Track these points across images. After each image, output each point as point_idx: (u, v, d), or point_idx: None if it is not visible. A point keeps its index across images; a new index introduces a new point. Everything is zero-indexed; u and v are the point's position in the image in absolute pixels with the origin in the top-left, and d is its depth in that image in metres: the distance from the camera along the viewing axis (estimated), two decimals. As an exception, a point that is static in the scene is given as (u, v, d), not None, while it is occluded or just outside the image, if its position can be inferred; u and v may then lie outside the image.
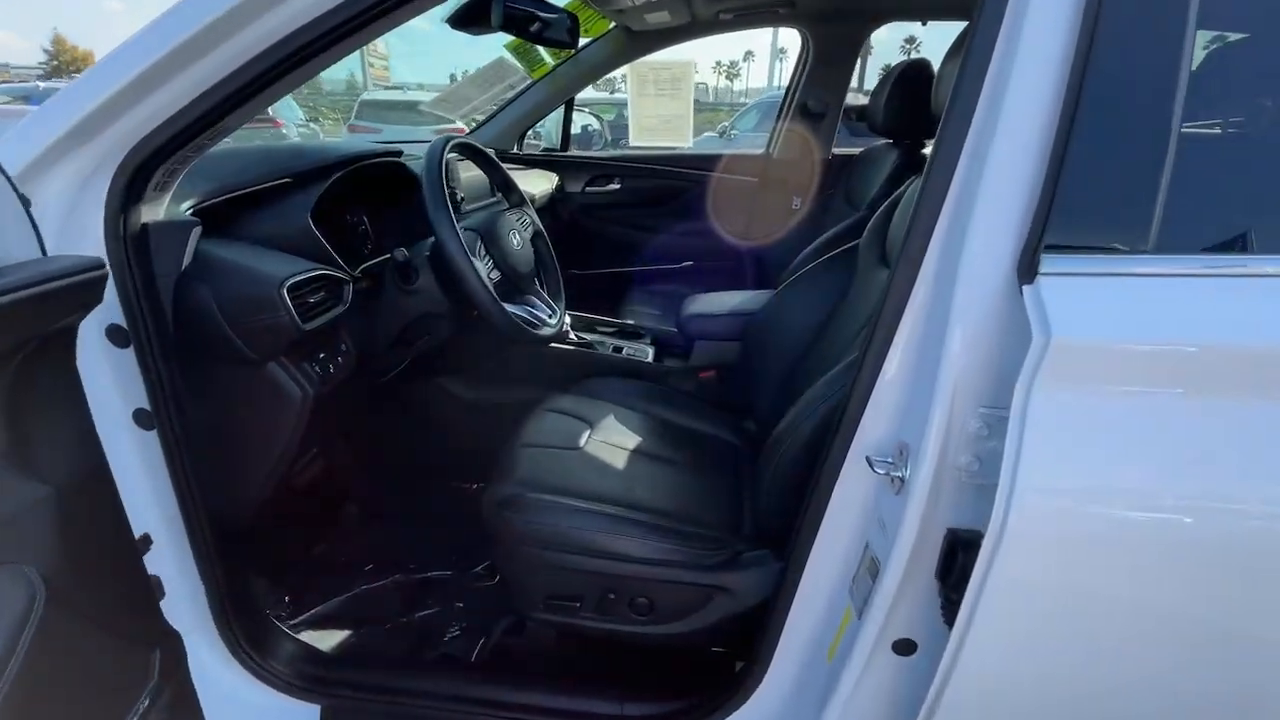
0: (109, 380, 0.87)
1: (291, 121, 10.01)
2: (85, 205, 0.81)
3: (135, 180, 0.81)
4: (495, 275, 1.13)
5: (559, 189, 2.43)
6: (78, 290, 0.62)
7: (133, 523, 0.94)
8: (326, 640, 1.30)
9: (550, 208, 2.44)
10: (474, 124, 2.41)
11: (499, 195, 1.45)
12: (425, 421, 1.74)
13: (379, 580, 1.47)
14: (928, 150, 1.82)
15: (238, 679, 1.08)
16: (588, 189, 2.51)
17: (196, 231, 0.90)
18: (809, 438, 0.95)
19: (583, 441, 1.35)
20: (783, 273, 2.17)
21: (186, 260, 0.89)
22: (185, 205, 0.93)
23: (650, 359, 1.71)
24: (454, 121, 2.25)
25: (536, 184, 2.28)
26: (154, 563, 0.96)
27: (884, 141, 1.99)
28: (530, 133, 2.47)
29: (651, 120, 2.38)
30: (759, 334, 1.50)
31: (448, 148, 1.09)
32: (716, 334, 1.63)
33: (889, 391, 0.77)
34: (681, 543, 1.11)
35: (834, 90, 2.24)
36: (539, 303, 1.31)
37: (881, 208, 1.35)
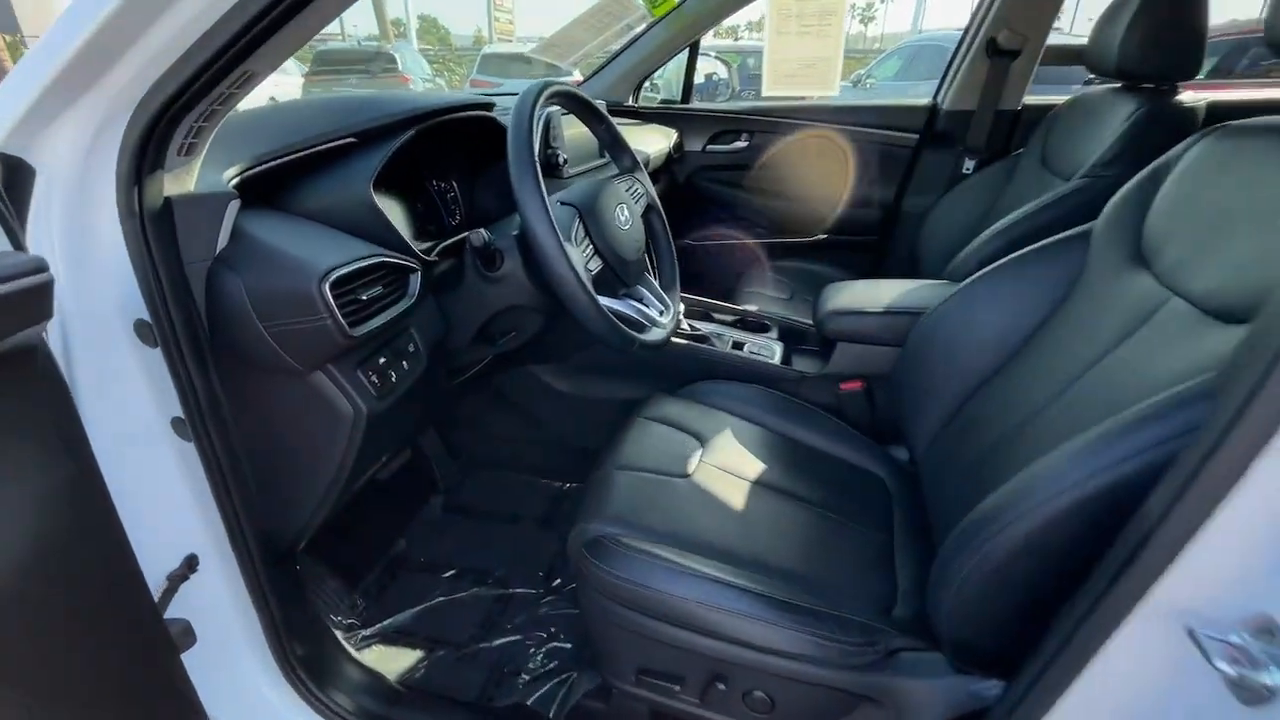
0: (142, 384, 0.72)
1: (418, 76, 10.28)
2: (96, 174, 0.64)
3: (150, 141, 0.63)
4: (595, 265, 0.88)
5: (677, 147, 2.13)
6: (11, 304, 0.44)
7: (179, 541, 0.81)
8: (393, 663, 1.17)
9: (666, 168, 2.15)
10: (592, 72, 2.15)
11: (607, 158, 1.18)
12: (513, 410, 1.57)
13: (457, 592, 1.32)
14: (1186, 98, 1.33)
15: (293, 708, 0.96)
16: (710, 147, 2.19)
17: (234, 206, 0.71)
18: (1046, 536, 0.63)
19: (692, 466, 1.10)
20: (950, 258, 1.77)
21: (222, 243, 0.71)
22: (229, 174, 0.75)
23: (778, 359, 1.41)
24: (566, 71, 1.99)
25: (652, 141, 1.99)
26: (201, 585, 0.83)
27: (1107, 86, 1.51)
28: (647, 83, 2.17)
29: (791, 64, 2.00)
30: (927, 342, 1.15)
31: (542, 96, 0.84)
32: (867, 336, 1.29)
33: (1240, 526, 0.44)
34: (816, 628, 0.84)
35: (1037, 21, 1.74)
36: (649, 296, 1.05)
37: (1132, 183, 0.95)
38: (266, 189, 0.83)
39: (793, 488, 1.11)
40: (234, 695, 0.90)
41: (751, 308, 1.71)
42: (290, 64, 10.50)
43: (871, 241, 2.16)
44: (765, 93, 2.08)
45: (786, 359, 1.45)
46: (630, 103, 2.14)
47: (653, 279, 1.06)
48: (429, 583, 1.34)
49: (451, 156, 1.18)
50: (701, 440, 1.18)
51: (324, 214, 0.82)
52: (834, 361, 1.34)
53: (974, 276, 1.10)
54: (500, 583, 1.35)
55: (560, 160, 1.30)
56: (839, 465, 1.22)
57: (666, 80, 2.30)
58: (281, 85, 9.53)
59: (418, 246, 1.06)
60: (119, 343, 0.70)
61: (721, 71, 2.49)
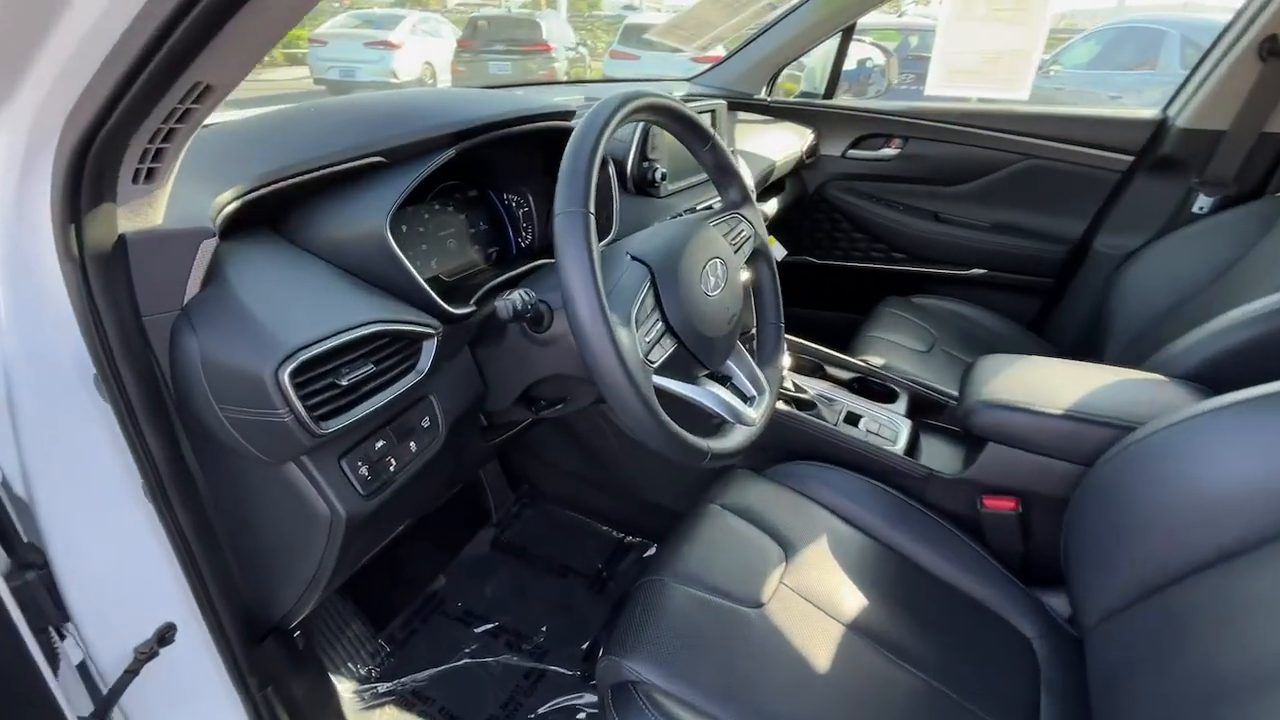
0: (106, 440, 0.59)
1: (561, 45, 10.30)
2: (32, 204, 0.51)
3: (84, 167, 0.48)
4: (663, 347, 0.64)
5: (810, 150, 1.81)
6: None
7: (153, 610, 0.69)
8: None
9: (795, 173, 1.85)
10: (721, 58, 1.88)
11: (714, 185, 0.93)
12: (580, 446, 1.38)
13: (487, 655, 1.17)
14: None
15: None
16: (851, 152, 1.85)
17: (209, 246, 0.56)
18: None
19: (769, 590, 0.86)
20: (1156, 325, 1.35)
21: (191, 291, 0.56)
22: (223, 198, 0.60)
23: (902, 444, 1.11)
24: (686, 52, 1.73)
25: (780, 143, 1.69)
26: (178, 656, 0.72)
27: None
28: (785, 72, 1.86)
29: (970, 57, 1.61)
30: (1132, 476, 0.82)
31: (618, 116, 0.62)
32: (1034, 444, 0.96)
33: None
34: None
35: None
36: (738, 374, 0.80)
37: None
38: (277, 212, 0.68)
39: (901, 640, 0.84)
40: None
41: (877, 361, 1.40)
42: (446, 28, 10.93)
43: (1045, 286, 1.74)
44: (930, 90, 1.70)
45: (914, 443, 1.14)
46: (762, 96, 1.84)
47: (746, 353, 0.81)
48: (460, 635, 1.21)
49: (528, 165, 0.99)
50: (787, 549, 0.93)
51: (334, 251, 0.66)
52: (980, 464, 1.02)
53: (1233, 399, 0.74)
54: (536, 653, 1.18)
55: (657, 176, 1.07)
56: (969, 609, 0.92)
57: (810, 69, 1.97)
58: (432, 51, 9.95)
59: (470, 273, 0.89)
60: (76, 394, 0.57)
61: (877, 58, 2.11)
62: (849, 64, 2.13)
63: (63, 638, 0.67)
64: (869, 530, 0.99)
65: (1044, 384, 1.01)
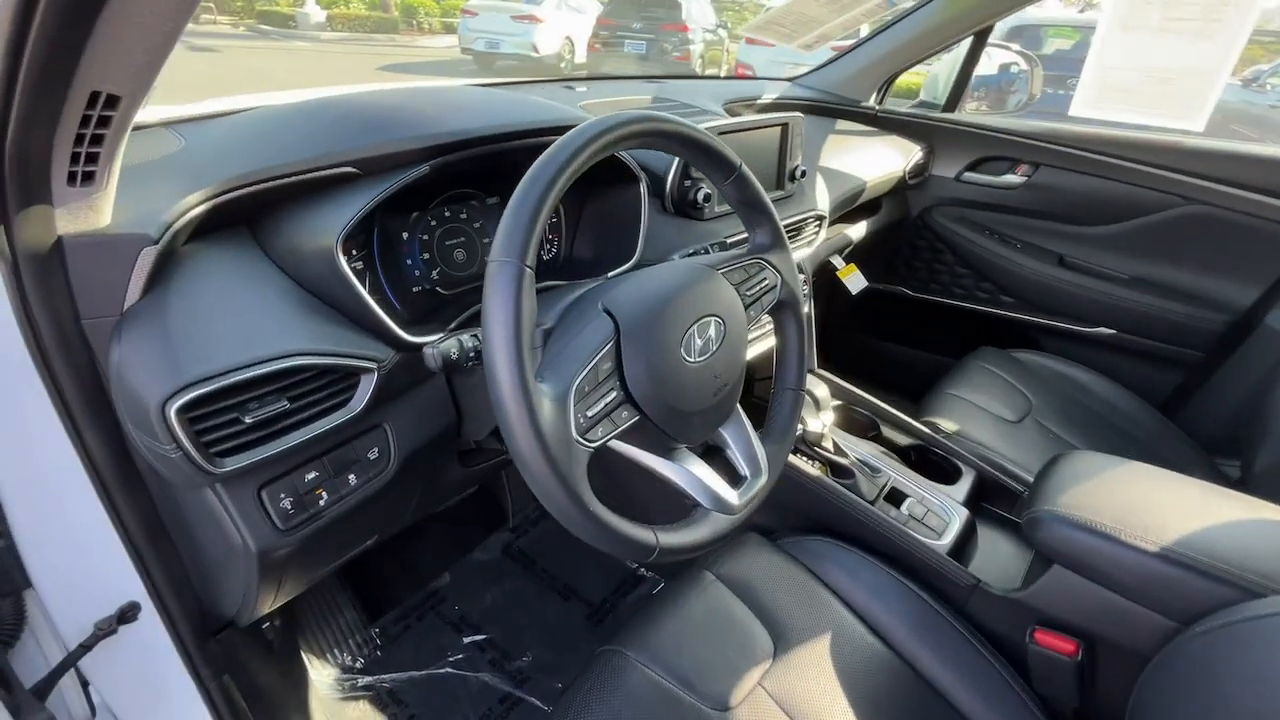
0: (57, 430, 0.60)
1: (699, 26, 10.08)
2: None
3: (6, 168, 0.46)
4: (614, 421, 0.54)
5: (917, 168, 1.60)
6: None
7: (121, 589, 0.71)
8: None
9: (897, 192, 1.64)
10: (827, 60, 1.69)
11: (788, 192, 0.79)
12: (599, 469, 1.31)
13: (471, 669, 1.15)
14: None
15: None
16: (967, 175, 1.61)
17: (148, 255, 0.53)
18: None
19: (740, 694, 0.76)
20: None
21: (131, 298, 0.54)
22: (189, 200, 0.57)
23: (950, 538, 0.94)
24: (801, 50, 1.57)
25: (881, 159, 1.50)
26: (140, 637, 0.74)
27: None
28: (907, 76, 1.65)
29: (1132, 74, 1.33)
30: (1264, 651, 0.62)
31: (591, 148, 0.52)
32: (1114, 580, 0.76)
33: None
34: None
35: None
36: (734, 447, 0.68)
37: None
38: (255, 216, 0.65)
39: (892, 786, 0.70)
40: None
41: (949, 426, 1.21)
42: (590, 3, 11.05)
43: (1192, 360, 1.43)
44: (1075, 110, 1.43)
45: (965, 541, 0.97)
46: (870, 103, 1.64)
47: (747, 422, 0.69)
48: (449, 641, 1.19)
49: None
50: (779, 642, 0.81)
51: (295, 265, 0.62)
52: (1040, 587, 0.83)
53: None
54: (517, 678, 1.14)
55: (700, 196, 0.95)
56: (993, 762, 0.76)
57: (933, 77, 1.73)
58: (574, 26, 10.09)
59: (472, 288, 0.82)
60: (29, 384, 0.57)
61: (1019, 65, 1.82)
62: (988, 68, 1.86)
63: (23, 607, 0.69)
64: (886, 636, 0.85)
65: (1146, 504, 0.80)
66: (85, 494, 0.63)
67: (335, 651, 1.12)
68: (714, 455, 0.70)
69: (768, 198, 0.71)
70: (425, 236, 0.81)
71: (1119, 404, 1.37)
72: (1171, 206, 1.39)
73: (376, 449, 0.66)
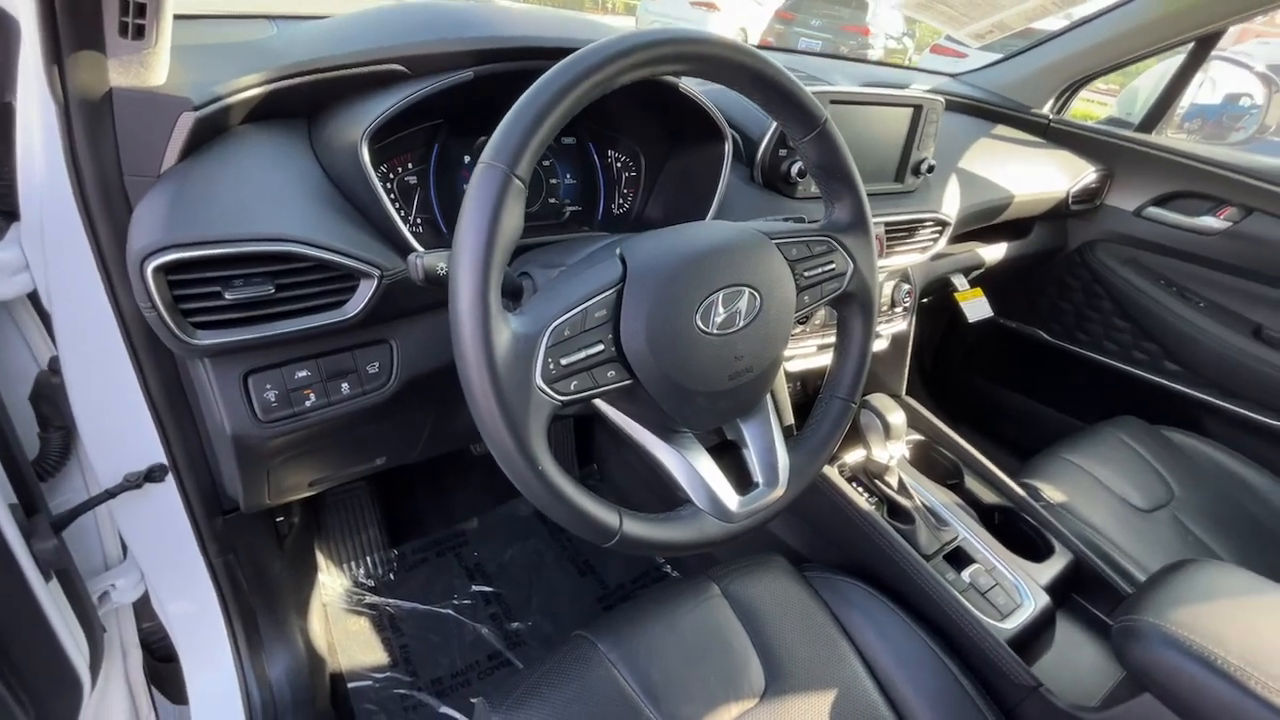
0: (96, 280, 0.62)
1: (885, 31, 9.50)
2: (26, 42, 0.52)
3: (73, 7, 0.48)
4: (596, 377, 0.45)
5: (1089, 192, 1.35)
6: None
7: (148, 447, 0.74)
8: (355, 650, 1.05)
9: (1056, 219, 1.40)
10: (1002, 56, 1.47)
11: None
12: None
13: (472, 617, 1.13)
14: None
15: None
16: (1152, 210, 1.34)
17: (186, 120, 0.54)
18: None
19: (711, 728, 0.65)
20: None
21: (168, 161, 0.55)
22: (242, 82, 0.57)
23: (1015, 628, 0.77)
24: (961, 36, 1.37)
25: (1041, 175, 1.28)
26: (165, 498, 0.78)
27: None
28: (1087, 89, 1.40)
29: None
30: None
31: (619, 63, 0.43)
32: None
33: None
34: None
35: None
36: (753, 450, 0.57)
37: None
38: (314, 108, 0.64)
39: None
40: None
41: (1053, 495, 1.01)
42: (774, -3, 10.76)
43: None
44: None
45: (1037, 633, 0.79)
46: (1044, 111, 1.41)
47: (777, 424, 0.58)
48: (459, 585, 1.18)
49: (649, 122, 0.84)
50: (772, 679, 0.71)
51: (329, 156, 0.60)
52: (1120, 714, 0.66)
53: None
54: (512, 639, 1.11)
55: (794, 170, 0.84)
56: None
57: (1131, 90, 1.46)
58: (751, 17, 9.90)
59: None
60: (72, 227, 0.60)
61: (1258, 94, 1.49)
62: (1213, 97, 1.56)
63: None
64: (902, 709, 0.71)
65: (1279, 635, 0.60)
66: (121, 351, 0.66)
67: (352, 564, 1.15)
68: (729, 452, 0.61)
69: (854, 166, 0.59)
70: (485, 163, 0.77)
71: (1292, 515, 1.08)
72: None
73: (378, 364, 0.64)
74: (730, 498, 0.55)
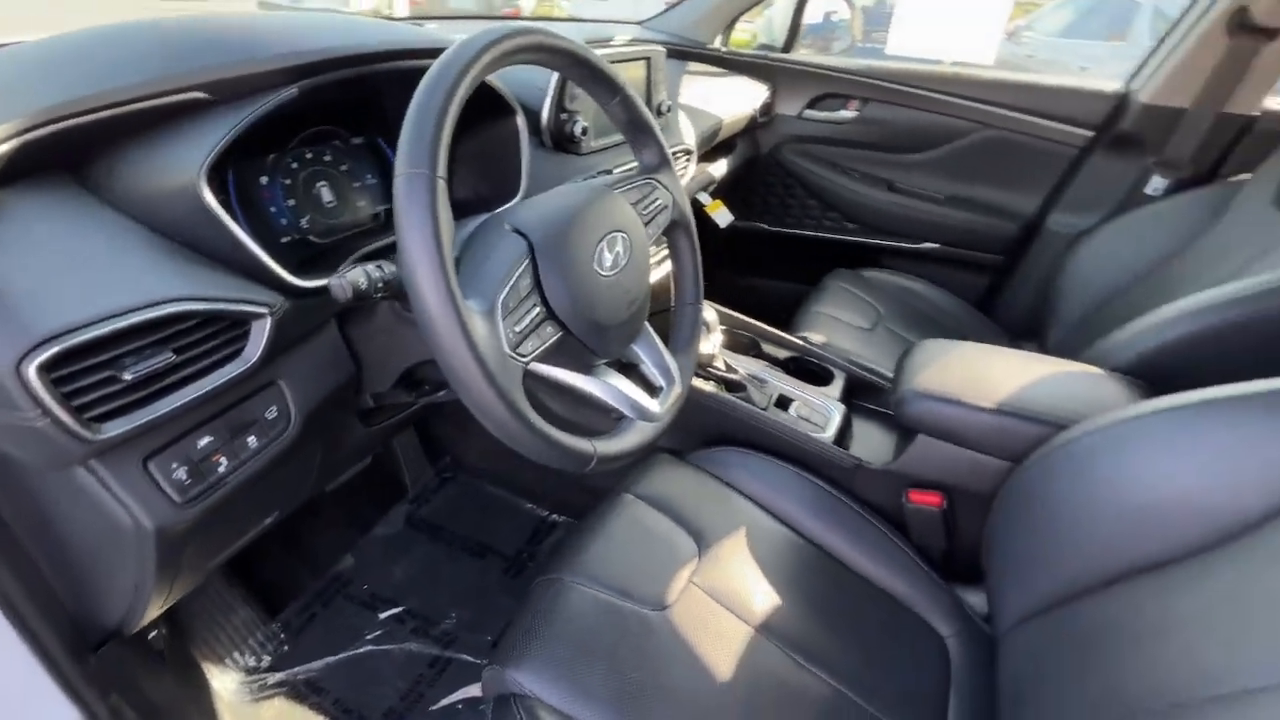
0: None
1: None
2: None
3: None
4: (542, 335, 0.55)
5: (764, 108, 1.70)
6: None
7: None
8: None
9: (748, 133, 1.74)
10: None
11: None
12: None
13: (391, 642, 1.11)
14: None
15: None
16: (807, 112, 1.74)
17: None
18: None
19: (675, 591, 0.80)
20: (1100, 307, 1.31)
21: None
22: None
23: (832, 431, 1.06)
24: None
25: (733, 98, 1.58)
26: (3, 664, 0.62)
27: None
28: (743, 22, 1.73)
29: (933, 16, 1.51)
30: (1062, 479, 0.77)
31: (486, 57, 0.50)
32: (963, 438, 0.91)
33: None
34: None
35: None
36: (647, 360, 0.72)
37: None
38: (81, 158, 0.55)
39: (812, 641, 0.80)
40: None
41: (817, 339, 1.34)
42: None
43: (996, 263, 1.69)
44: (891, 49, 1.60)
45: (845, 431, 1.09)
46: (716, 45, 1.71)
47: (656, 337, 0.73)
48: (363, 621, 1.13)
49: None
50: (701, 543, 0.87)
51: (147, 210, 0.54)
52: (908, 456, 0.97)
53: (1173, 402, 0.70)
54: (443, 640, 1.12)
55: (577, 130, 0.96)
56: (887, 606, 0.89)
57: (768, 19, 1.84)
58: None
59: (353, 234, 0.77)
60: None
61: (844, 11, 1.98)
62: (815, 16, 2.00)
63: None
64: (791, 522, 0.94)
65: (979, 375, 0.95)
66: None
67: (236, 654, 1.03)
68: (629, 371, 0.73)
69: (653, 118, 0.73)
70: (288, 181, 0.74)
71: (945, 306, 1.60)
72: (973, 132, 1.61)
73: (274, 407, 0.61)
74: (650, 403, 0.68)
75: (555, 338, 0.58)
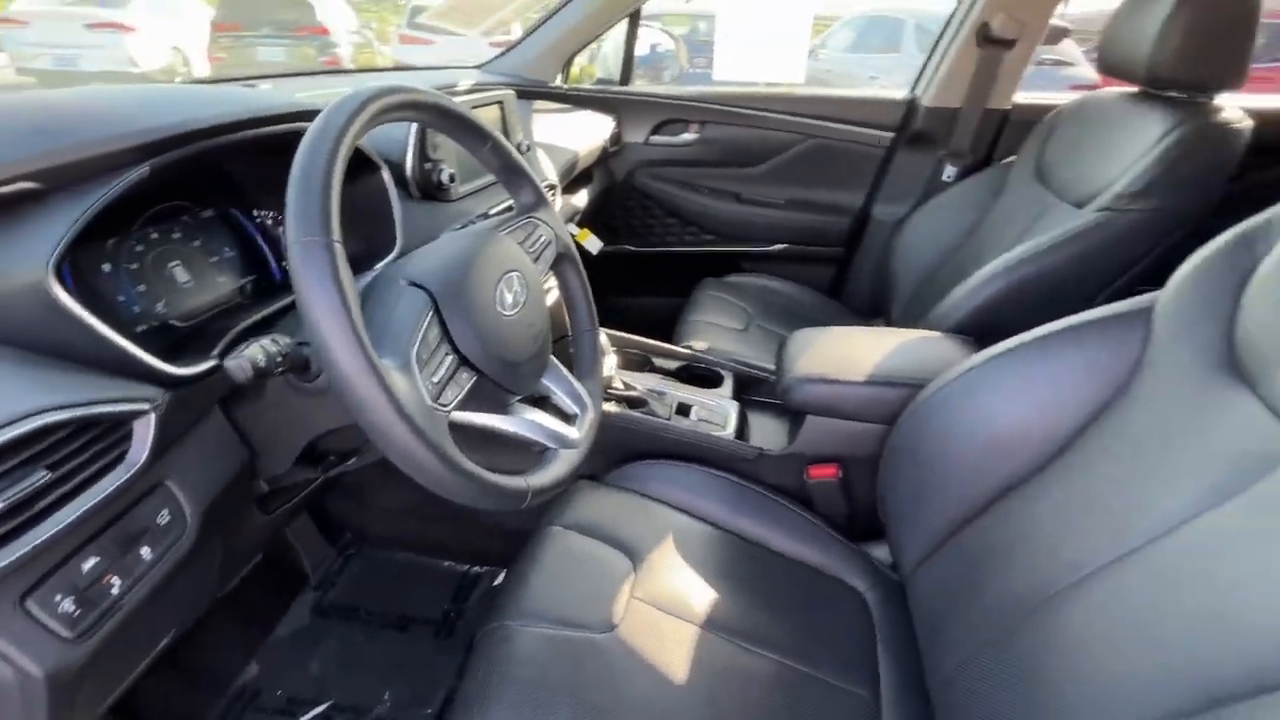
0: None
1: (344, 28, 9.31)
2: None
3: None
4: (459, 383, 0.55)
5: (614, 138, 1.79)
6: None
7: None
8: None
9: (602, 162, 1.81)
10: (510, 45, 1.77)
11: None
12: (400, 477, 1.24)
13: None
14: (1228, 113, 1.09)
15: None
16: (653, 138, 1.86)
17: None
18: None
19: (620, 609, 0.82)
20: (928, 278, 1.52)
21: None
22: None
23: (731, 427, 1.13)
24: (469, 37, 1.61)
25: (584, 131, 1.65)
26: None
27: (1121, 91, 1.26)
28: (581, 57, 1.81)
29: (748, 44, 1.68)
30: (924, 431, 0.90)
31: (362, 116, 0.51)
32: (844, 411, 1.03)
33: None
34: None
35: (1038, 5, 1.47)
36: (557, 390, 0.74)
37: (1210, 252, 0.70)
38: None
39: (752, 625, 0.85)
40: None
41: (700, 345, 1.43)
42: (189, 7, 9.37)
43: (837, 255, 1.90)
44: (717, 75, 1.75)
45: (743, 425, 1.17)
46: (558, 83, 1.78)
47: (562, 366, 0.75)
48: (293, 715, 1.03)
49: (279, 172, 0.82)
50: (634, 558, 0.90)
51: None
52: (802, 437, 1.07)
53: (991, 353, 0.84)
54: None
55: (444, 177, 0.96)
56: (809, 576, 0.96)
57: (603, 55, 1.94)
58: (180, 34, 8.49)
59: (220, 311, 0.72)
60: None
61: (667, 43, 2.14)
62: (643, 49, 2.13)
63: None
64: (711, 519, 1.00)
65: (846, 354, 1.08)
66: None
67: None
68: (542, 404, 0.75)
69: (523, 160, 0.76)
70: (134, 265, 0.68)
71: (803, 298, 1.77)
72: (798, 143, 1.80)
73: (166, 511, 0.55)
74: (569, 430, 0.70)
75: (471, 383, 0.58)
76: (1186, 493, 0.60)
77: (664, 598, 0.85)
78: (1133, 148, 1.11)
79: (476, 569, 1.33)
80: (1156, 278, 0.75)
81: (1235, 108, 1.09)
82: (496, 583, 1.32)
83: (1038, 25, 1.49)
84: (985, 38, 1.50)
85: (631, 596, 0.84)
